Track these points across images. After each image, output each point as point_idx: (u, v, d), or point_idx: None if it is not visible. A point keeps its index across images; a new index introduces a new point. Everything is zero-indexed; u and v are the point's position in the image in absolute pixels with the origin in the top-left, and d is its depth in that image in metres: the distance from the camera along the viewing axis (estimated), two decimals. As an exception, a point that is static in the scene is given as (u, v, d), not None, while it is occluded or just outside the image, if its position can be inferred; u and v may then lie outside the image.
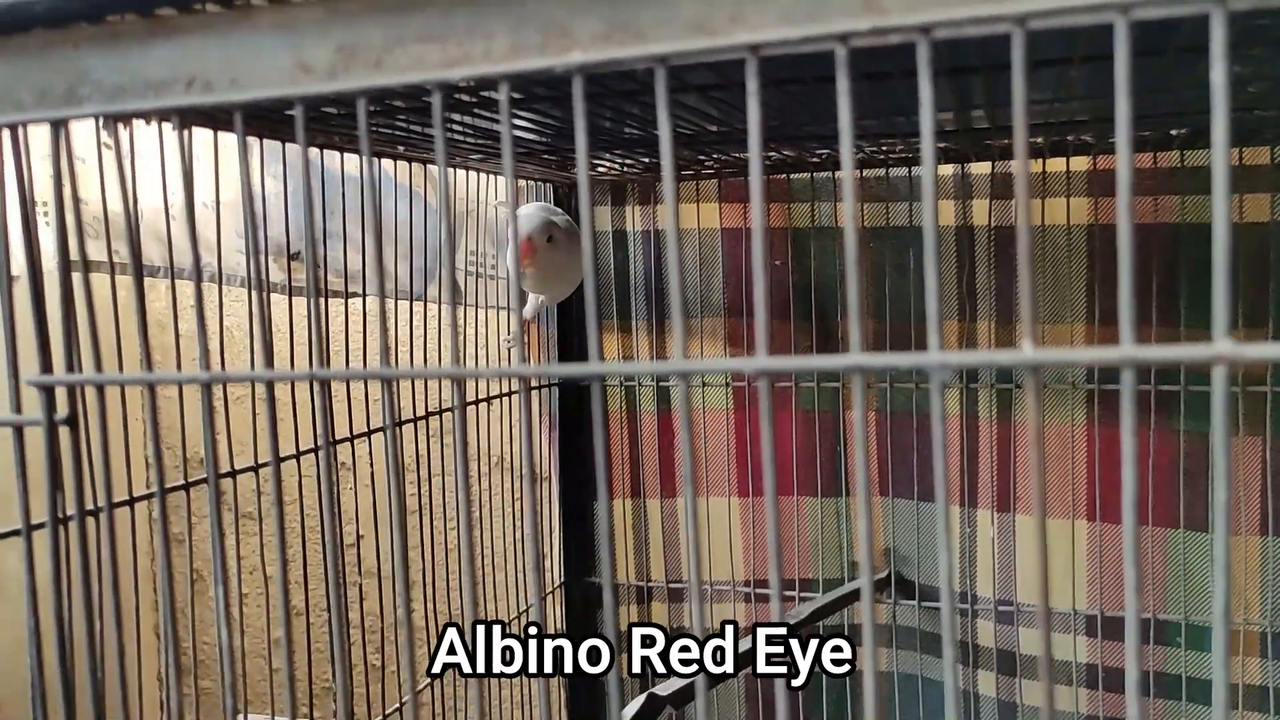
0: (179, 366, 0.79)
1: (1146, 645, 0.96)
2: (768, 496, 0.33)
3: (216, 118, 0.59)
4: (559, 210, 1.02)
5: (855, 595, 1.00)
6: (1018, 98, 0.29)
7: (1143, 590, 0.97)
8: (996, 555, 1.02)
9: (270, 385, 0.37)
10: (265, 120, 0.63)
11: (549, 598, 1.13)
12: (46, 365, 0.39)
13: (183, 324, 0.88)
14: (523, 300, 1.01)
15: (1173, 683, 0.95)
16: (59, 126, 0.39)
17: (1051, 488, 0.98)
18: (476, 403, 1.02)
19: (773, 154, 0.99)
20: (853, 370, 0.32)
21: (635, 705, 0.60)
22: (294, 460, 0.81)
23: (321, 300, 0.89)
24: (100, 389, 0.39)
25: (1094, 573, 0.98)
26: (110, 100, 0.38)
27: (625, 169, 1.04)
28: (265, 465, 0.74)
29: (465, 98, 0.64)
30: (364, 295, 1.12)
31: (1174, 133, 0.87)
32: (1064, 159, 0.94)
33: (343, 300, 1.24)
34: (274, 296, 1.21)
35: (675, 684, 0.64)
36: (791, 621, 0.85)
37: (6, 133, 0.40)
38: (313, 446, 0.79)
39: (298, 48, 0.36)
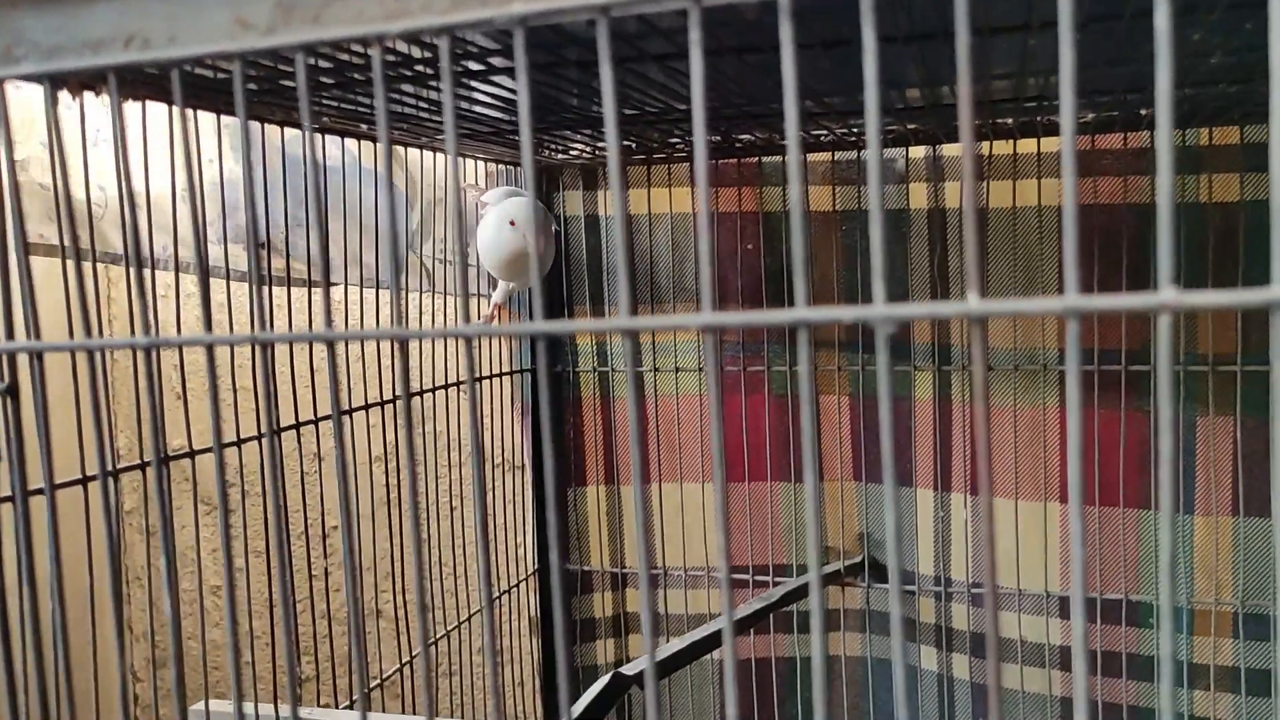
0: (156, 353, 0.78)
1: (1119, 627, 0.96)
2: (715, 466, 0.33)
3: (167, 88, 0.58)
4: (527, 193, 1.02)
5: (828, 579, 1.00)
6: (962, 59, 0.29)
7: (1112, 571, 0.97)
8: (970, 538, 1.02)
9: (210, 349, 0.36)
10: (221, 93, 0.62)
11: (523, 584, 1.12)
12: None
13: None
14: (494, 284, 1.00)
15: (1146, 664, 0.95)
16: None
17: (1024, 470, 0.98)
18: (447, 386, 1.01)
19: (744, 136, 0.98)
20: (799, 324, 0.31)
21: (600, 684, 0.60)
22: (255, 447, 0.80)
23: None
24: (38, 358, 0.38)
25: (1068, 554, 0.98)
26: (47, 59, 0.37)
27: (597, 153, 1.03)
28: (227, 445, 0.73)
29: (427, 69, 0.63)
30: (345, 284, 1.11)
31: (1143, 112, 0.87)
32: (1034, 139, 0.94)
33: (308, 289, 1.23)
34: (237, 285, 1.20)
35: (642, 663, 0.64)
36: (762, 605, 0.84)
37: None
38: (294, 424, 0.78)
39: (237, 3, 0.35)
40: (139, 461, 0.65)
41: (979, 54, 0.65)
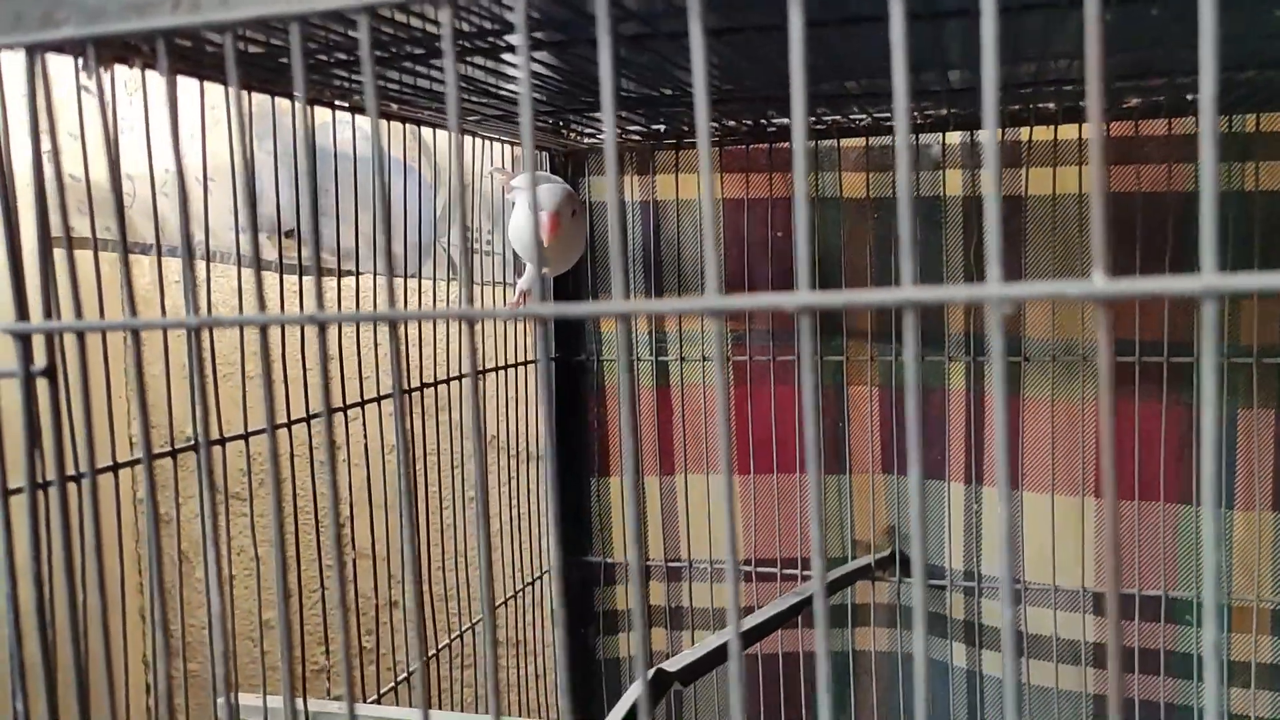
0: (165, 344, 0.76)
1: (1158, 623, 0.94)
2: (723, 466, 0.31)
3: (203, 62, 0.56)
4: (557, 178, 0.99)
5: (859, 573, 0.98)
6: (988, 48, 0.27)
7: (1151, 567, 0.95)
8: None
9: (264, 330, 0.34)
10: (256, 68, 0.60)
11: (544, 577, 1.10)
12: (22, 312, 0.36)
13: (168, 300, 0.85)
14: (520, 270, 0.98)
15: (1184, 661, 0.94)
16: (35, 53, 0.36)
17: (1059, 464, 0.96)
18: (485, 372, 0.99)
19: (776, 121, 0.96)
20: (802, 310, 0.29)
21: (643, 681, 0.58)
22: (285, 433, 0.78)
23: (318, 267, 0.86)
24: (81, 338, 0.36)
25: (1102, 550, 0.96)
26: (90, 21, 0.35)
27: (626, 137, 1.01)
28: (256, 433, 0.71)
29: (468, 43, 0.61)
30: (357, 273, 1.09)
31: (1190, 98, 0.85)
32: (1076, 125, 0.92)
33: (337, 278, 1.21)
34: (267, 275, 1.18)
35: (683, 659, 0.62)
36: (795, 600, 0.83)
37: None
38: (305, 416, 0.77)
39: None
40: (170, 448, 0.63)
41: (1011, 34, 0.63)
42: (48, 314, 0.36)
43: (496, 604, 1.03)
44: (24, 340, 0.35)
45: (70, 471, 0.48)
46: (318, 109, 0.72)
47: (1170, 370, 0.92)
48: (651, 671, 0.60)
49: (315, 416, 0.77)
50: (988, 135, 0.28)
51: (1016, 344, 0.98)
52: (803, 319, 0.30)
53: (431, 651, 0.93)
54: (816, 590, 0.28)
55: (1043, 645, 0.99)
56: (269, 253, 1.14)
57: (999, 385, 0.28)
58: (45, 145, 0.36)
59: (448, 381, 0.95)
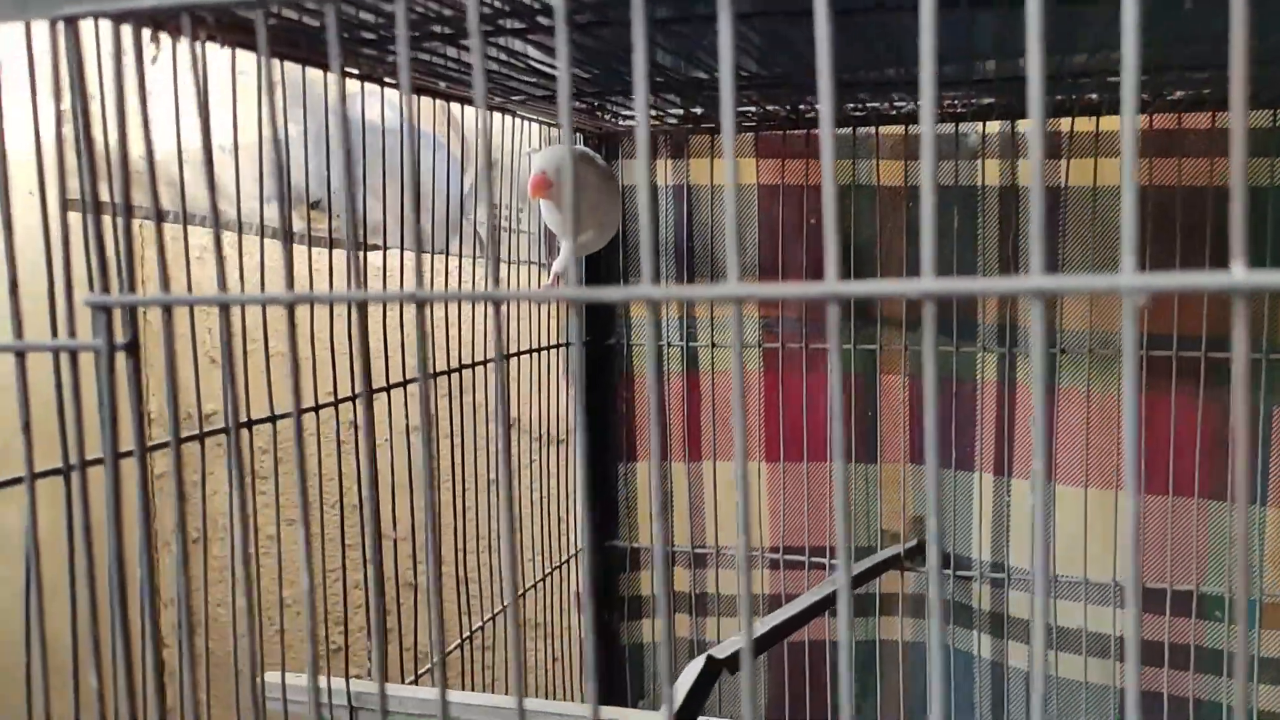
0: (192, 321, 0.76)
1: (1187, 619, 0.94)
2: (737, 455, 0.30)
3: (231, 26, 0.55)
4: (593, 153, 0.98)
5: (889, 563, 0.98)
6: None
7: (1182, 562, 0.94)
8: (1032, 525, 0.99)
9: (363, 306, 0.34)
10: (282, 37, 0.59)
11: (570, 561, 1.10)
12: (104, 284, 0.36)
13: (195, 272, 0.84)
14: (555, 251, 0.98)
15: (1213, 657, 0.93)
16: (65, 25, 0.36)
17: (1093, 457, 0.96)
18: (509, 356, 0.98)
19: (815, 106, 0.95)
20: (829, 298, 0.29)
21: (694, 669, 0.58)
22: (313, 414, 0.78)
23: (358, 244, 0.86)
24: (168, 311, 0.35)
25: (1148, 544, 0.96)
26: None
27: (660, 120, 1.00)
28: (283, 416, 0.70)
29: (507, 23, 0.60)
30: (384, 248, 1.09)
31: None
32: (1117, 116, 0.91)
33: (364, 253, 1.20)
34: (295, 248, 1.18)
35: (731, 645, 0.62)
36: (832, 589, 0.82)
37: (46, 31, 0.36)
38: (333, 399, 0.76)
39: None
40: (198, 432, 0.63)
41: (1056, 24, 0.62)
42: (131, 287, 0.36)
43: (523, 590, 1.03)
44: (106, 313, 0.34)
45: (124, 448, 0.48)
46: (347, 80, 0.72)
47: (1207, 365, 0.91)
48: (703, 658, 0.60)
49: (344, 400, 0.77)
50: (1034, 112, 0.28)
51: (1052, 336, 0.97)
52: (830, 308, 0.30)
53: (464, 635, 0.93)
54: (841, 585, 0.27)
55: (1071, 638, 0.99)
56: (295, 224, 1.14)
57: (1038, 378, 0.27)
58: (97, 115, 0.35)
59: (472, 366, 0.95)
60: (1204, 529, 0.93)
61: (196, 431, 0.73)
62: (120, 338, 0.34)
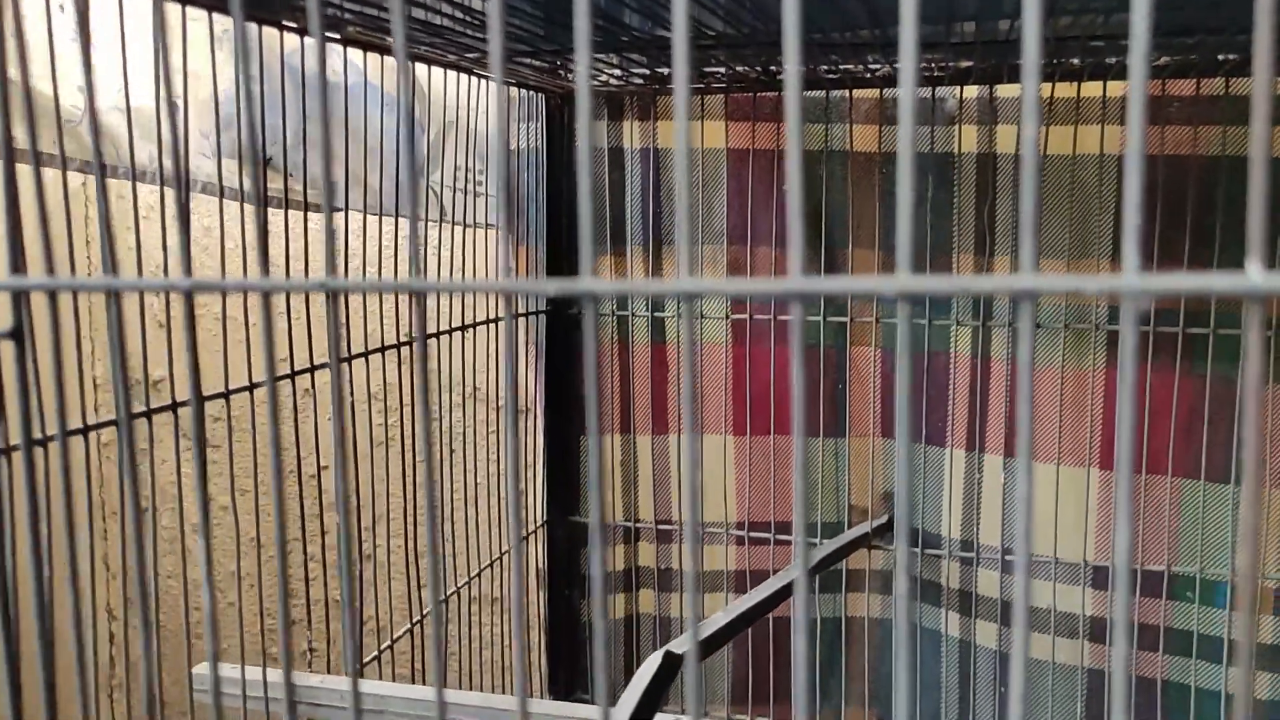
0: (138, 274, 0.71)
1: (1158, 600, 0.93)
2: (687, 428, 0.27)
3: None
4: None
5: (857, 543, 0.96)
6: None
7: (1154, 542, 0.93)
8: (1005, 503, 0.97)
9: (267, 296, 0.30)
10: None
11: (531, 536, 1.07)
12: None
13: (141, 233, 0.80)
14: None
15: (1183, 638, 0.92)
16: None
17: (1066, 434, 0.94)
18: (450, 331, 0.95)
19: (784, 68, 0.91)
20: (791, 297, 0.26)
21: (653, 664, 0.55)
22: (250, 390, 0.74)
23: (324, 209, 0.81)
24: (52, 296, 0.32)
25: (1104, 523, 0.94)
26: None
27: (625, 79, 0.96)
28: (237, 391, 0.67)
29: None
30: (345, 209, 1.04)
31: (1222, 58, 0.81)
32: (1100, 83, 0.88)
33: (303, 212, 1.15)
34: (238, 206, 1.13)
35: (689, 640, 0.59)
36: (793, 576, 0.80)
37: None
38: (290, 371, 0.72)
39: None
40: (145, 409, 0.59)
41: None
42: (15, 268, 0.31)
43: (482, 567, 1.00)
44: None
45: (37, 435, 0.44)
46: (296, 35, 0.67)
47: (1184, 341, 0.89)
48: (660, 654, 0.57)
49: (300, 372, 0.73)
50: (1028, 86, 0.24)
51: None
52: (794, 308, 0.26)
53: (414, 619, 0.90)
54: (798, 573, 0.25)
55: (1040, 618, 0.97)
56: (237, 180, 1.09)
57: (1025, 369, 0.25)
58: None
59: (437, 336, 0.91)
60: (1175, 508, 0.91)
61: (144, 397, 0.69)
62: (3, 325, 0.30)
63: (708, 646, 0.62)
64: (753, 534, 1.03)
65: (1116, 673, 0.25)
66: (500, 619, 1.14)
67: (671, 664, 0.57)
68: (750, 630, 1.03)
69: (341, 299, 0.30)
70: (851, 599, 1.04)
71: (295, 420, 0.93)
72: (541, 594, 1.09)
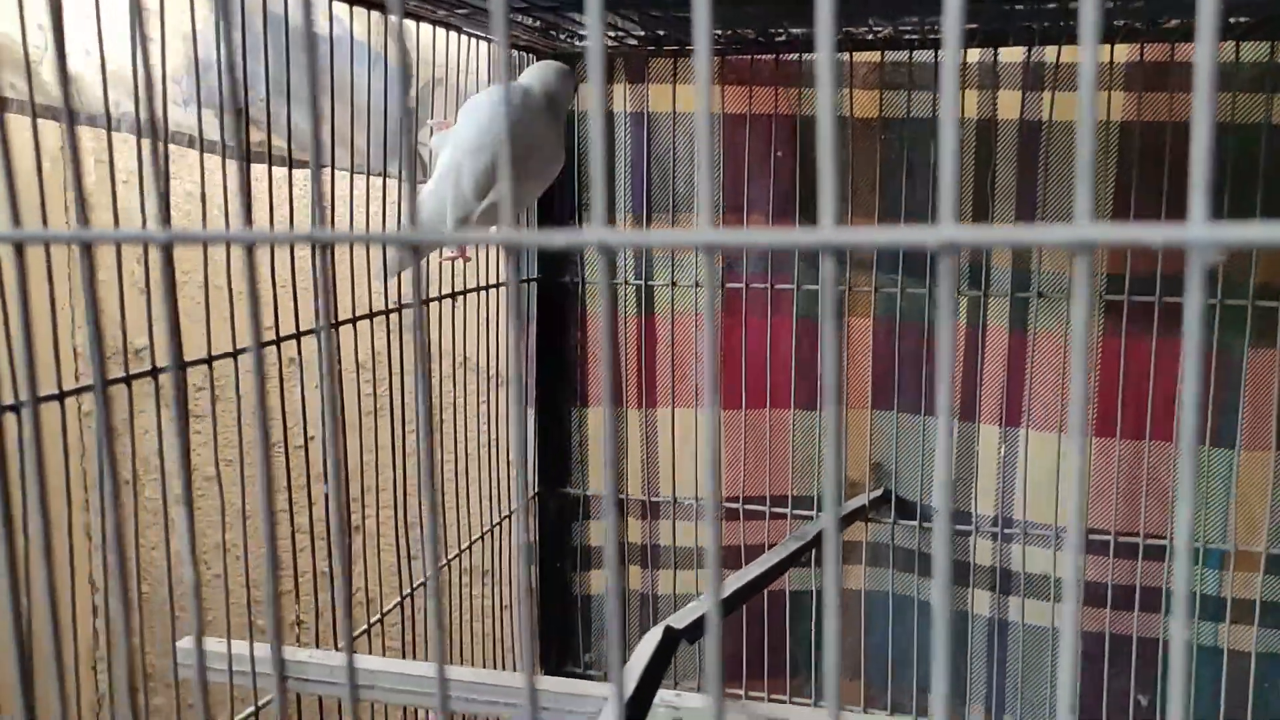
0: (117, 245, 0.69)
1: (1153, 562, 0.92)
2: (704, 399, 0.25)
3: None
4: (530, 84, 0.85)
5: (854, 515, 0.94)
6: None
7: (1159, 509, 0.92)
8: (1001, 472, 0.96)
9: (251, 250, 0.28)
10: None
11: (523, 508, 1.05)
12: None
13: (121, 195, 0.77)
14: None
15: (1155, 595, 0.92)
16: None
17: (1063, 403, 0.92)
18: (441, 298, 0.92)
19: (783, 31, 0.89)
20: (824, 248, 0.24)
21: (652, 640, 0.53)
22: (234, 356, 0.72)
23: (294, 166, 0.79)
24: (19, 250, 0.29)
25: (1102, 489, 0.93)
26: None
27: (618, 40, 0.93)
28: (220, 358, 0.64)
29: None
30: (332, 166, 1.01)
31: (1232, 20, 0.80)
32: (1108, 45, 0.86)
33: (290, 169, 1.12)
34: (217, 160, 1.10)
35: (689, 615, 0.57)
36: (798, 545, 0.78)
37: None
38: (275, 338, 0.70)
39: None
40: (124, 375, 0.56)
41: None
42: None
43: (473, 540, 0.98)
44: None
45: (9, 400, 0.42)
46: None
47: (1163, 308, 0.88)
48: (660, 629, 0.55)
49: (286, 338, 0.70)
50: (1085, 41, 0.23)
51: (1027, 279, 0.93)
52: (824, 262, 0.24)
53: (404, 592, 0.88)
54: (828, 542, 0.23)
55: (1037, 584, 0.96)
56: (216, 133, 1.06)
57: (1079, 336, 0.23)
58: None
59: (426, 303, 0.89)
60: (1168, 473, 0.91)
61: (123, 366, 0.67)
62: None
63: (702, 625, 0.61)
64: (747, 507, 1.02)
65: (1065, 630, 0.24)
66: (492, 591, 1.12)
67: (671, 639, 0.55)
68: (745, 607, 1.02)
69: (329, 255, 0.27)
70: (845, 571, 1.03)
71: (281, 389, 0.91)
72: (532, 567, 1.07)
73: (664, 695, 0.58)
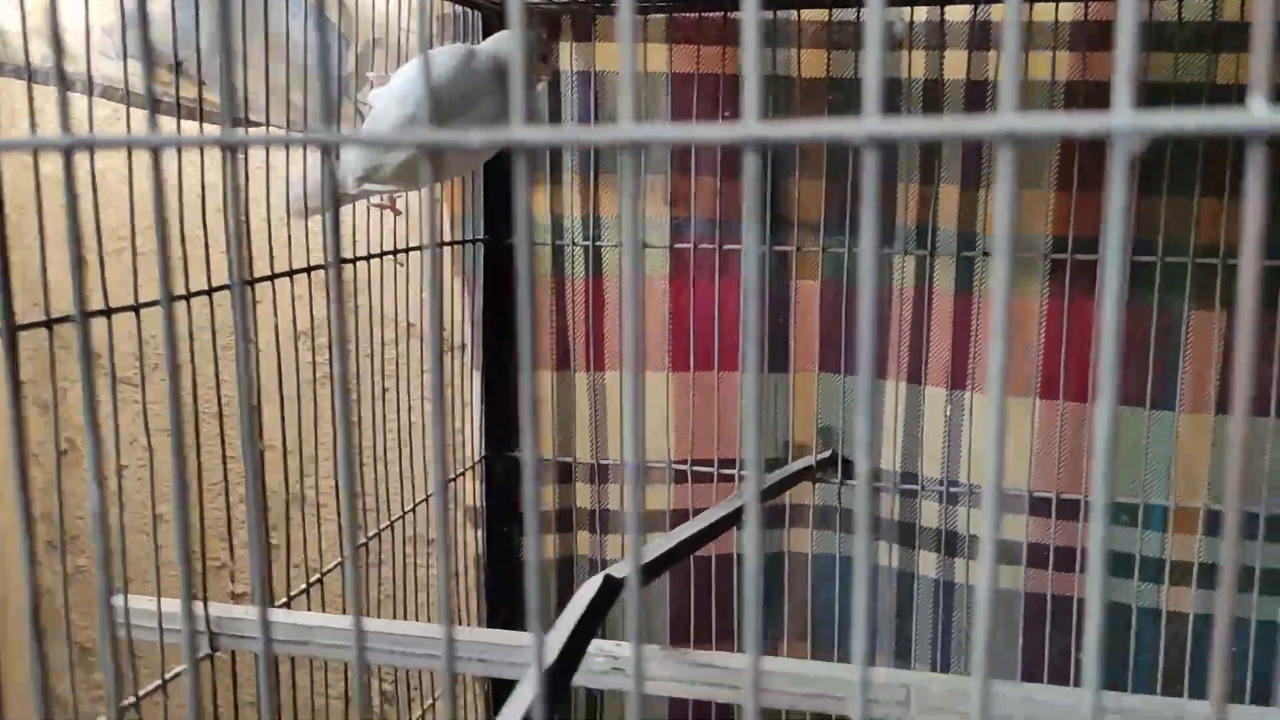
0: (39, 202, 0.66)
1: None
2: (629, 360, 0.25)
3: None
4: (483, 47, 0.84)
5: (800, 475, 0.95)
6: None
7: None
8: (947, 434, 0.97)
9: (156, 154, 0.26)
10: None
11: (468, 472, 1.04)
12: None
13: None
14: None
15: (1122, 561, 0.93)
16: None
17: (1010, 364, 0.93)
18: (370, 257, 0.90)
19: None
20: (746, 144, 0.24)
21: (591, 587, 0.53)
22: (183, 312, 0.70)
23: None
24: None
25: (1046, 451, 0.94)
26: None
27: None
28: (149, 305, 0.62)
29: None
30: (266, 125, 0.99)
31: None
32: (1053, 5, 0.86)
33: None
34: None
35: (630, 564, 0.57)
36: (740, 504, 0.78)
37: None
38: (207, 288, 0.68)
39: None
40: (44, 319, 0.54)
41: None
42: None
43: (415, 504, 0.97)
44: None
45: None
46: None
47: (1130, 270, 0.89)
48: (600, 578, 0.55)
49: (198, 294, 0.68)
50: None
51: (972, 239, 0.93)
52: (747, 158, 0.24)
53: (335, 549, 0.86)
54: (750, 499, 0.23)
55: (978, 547, 0.97)
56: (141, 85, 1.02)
57: (1004, 209, 0.23)
58: None
59: (355, 260, 0.87)
60: (1118, 435, 0.92)
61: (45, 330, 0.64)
62: None
63: (650, 572, 0.60)
64: (695, 469, 1.02)
65: (980, 589, 0.24)
66: (420, 553, 1.11)
67: (611, 588, 0.55)
68: (692, 570, 1.02)
69: (241, 160, 0.26)
70: (793, 535, 1.04)
71: (215, 354, 0.89)
72: (479, 531, 1.06)
73: (604, 645, 0.58)
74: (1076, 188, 0.89)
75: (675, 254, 1.00)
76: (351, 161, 0.71)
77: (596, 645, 0.57)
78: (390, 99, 0.72)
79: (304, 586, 0.80)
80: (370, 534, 0.92)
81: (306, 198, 0.71)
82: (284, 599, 0.79)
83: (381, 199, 0.79)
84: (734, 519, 0.73)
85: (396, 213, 0.84)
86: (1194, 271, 0.87)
